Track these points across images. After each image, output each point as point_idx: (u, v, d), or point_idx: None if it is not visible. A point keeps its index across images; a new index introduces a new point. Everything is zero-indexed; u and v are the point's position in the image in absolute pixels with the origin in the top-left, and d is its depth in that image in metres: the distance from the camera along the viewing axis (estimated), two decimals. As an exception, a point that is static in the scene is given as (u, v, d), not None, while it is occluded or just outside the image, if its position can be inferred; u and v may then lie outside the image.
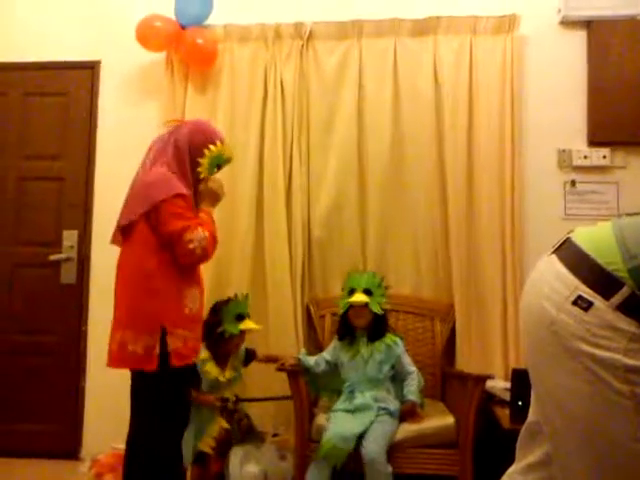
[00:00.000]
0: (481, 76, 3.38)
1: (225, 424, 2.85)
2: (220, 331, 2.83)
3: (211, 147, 2.36)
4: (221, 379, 2.82)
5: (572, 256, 1.30)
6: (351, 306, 2.87)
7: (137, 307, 2.21)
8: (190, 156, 2.34)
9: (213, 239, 2.28)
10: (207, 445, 2.77)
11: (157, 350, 2.17)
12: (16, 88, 3.76)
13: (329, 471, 2.56)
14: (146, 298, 2.20)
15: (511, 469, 1.58)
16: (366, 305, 2.84)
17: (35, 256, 3.60)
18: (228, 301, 2.93)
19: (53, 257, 3.58)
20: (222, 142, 2.41)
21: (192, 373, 2.54)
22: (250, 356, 3.04)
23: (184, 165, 2.33)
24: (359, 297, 2.83)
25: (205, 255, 2.25)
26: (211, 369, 2.80)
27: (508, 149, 3.31)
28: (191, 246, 2.19)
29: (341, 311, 2.93)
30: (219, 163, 2.42)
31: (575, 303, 1.25)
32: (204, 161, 2.36)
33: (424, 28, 3.45)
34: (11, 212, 3.68)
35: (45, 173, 3.68)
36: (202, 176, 2.38)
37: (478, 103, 3.37)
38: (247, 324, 2.87)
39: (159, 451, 2.25)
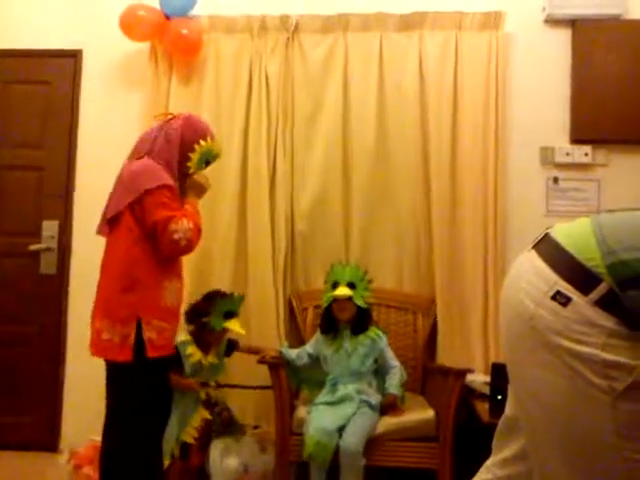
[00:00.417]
0: (466, 72, 3.39)
1: (207, 414, 2.84)
2: (205, 321, 2.83)
3: (202, 142, 2.35)
4: (204, 362, 2.81)
5: (551, 252, 1.31)
6: (335, 300, 2.86)
7: (115, 296, 2.20)
8: (180, 150, 2.33)
9: (197, 231, 2.27)
10: (190, 435, 2.76)
11: (131, 340, 2.16)
12: (-2, 75, 3.71)
13: (324, 472, 2.57)
14: (125, 288, 2.19)
15: (488, 462, 1.59)
16: (350, 299, 2.83)
17: (14, 246, 3.56)
18: (224, 295, 2.90)
19: (33, 247, 3.54)
20: (212, 138, 2.40)
21: (174, 358, 2.54)
22: (232, 346, 3.02)
23: (173, 158, 2.32)
24: (343, 291, 2.82)
25: (189, 246, 2.24)
26: (193, 351, 2.78)
27: (492, 145, 3.33)
28: (176, 236, 2.18)
29: (324, 305, 2.92)
30: (208, 159, 2.42)
31: (554, 298, 1.25)
32: (194, 156, 2.35)
33: (410, 23, 3.45)
34: (-9, 201, 3.65)
35: (26, 162, 3.63)
36: (191, 171, 2.38)
37: (463, 99, 3.38)
38: (232, 324, 2.84)
39: (135, 445, 2.23)
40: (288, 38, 3.49)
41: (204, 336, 2.86)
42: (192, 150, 2.34)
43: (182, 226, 2.19)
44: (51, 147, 3.64)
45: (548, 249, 1.32)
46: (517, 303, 1.33)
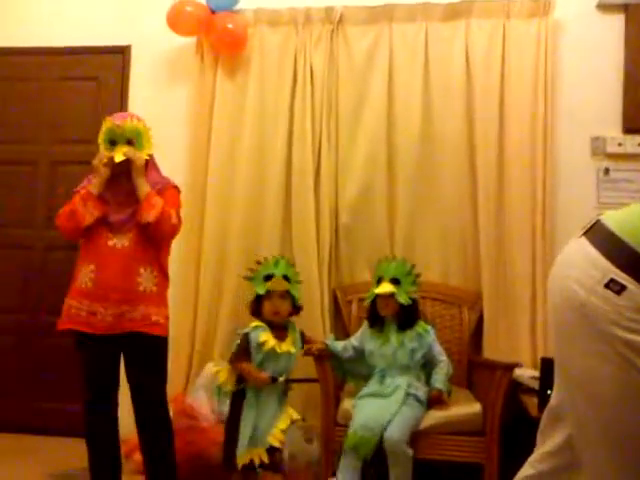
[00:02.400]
0: (514, 61, 3.33)
1: (296, 415, 2.71)
2: (255, 296, 2.75)
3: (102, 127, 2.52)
4: (278, 350, 2.67)
5: (604, 239, 1.28)
6: (378, 295, 2.83)
7: None
8: None
9: (63, 214, 2.50)
10: (276, 439, 2.60)
11: None
12: (49, 73, 3.82)
13: (360, 462, 2.55)
14: None
15: (531, 457, 1.57)
16: (392, 295, 2.79)
17: (59, 239, 3.64)
18: (259, 262, 2.83)
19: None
20: (111, 119, 2.52)
21: (242, 349, 2.67)
22: (304, 340, 2.86)
23: None
24: (385, 287, 2.78)
25: (60, 228, 2.53)
26: (267, 338, 2.65)
27: (540, 136, 3.26)
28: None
29: (368, 301, 2.90)
30: (111, 139, 2.49)
31: (607, 286, 1.23)
32: (100, 147, 2.53)
33: (456, 12, 3.40)
34: (44, 195, 3.75)
35: (77, 157, 3.72)
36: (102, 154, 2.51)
37: (510, 89, 3.32)
38: (272, 284, 2.70)
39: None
40: (333, 30, 3.48)
41: (264, 314, 2.72)
42: None
43: None
44: (101, 142, 3.71)
45: (600, 236, 1.29)
46: (567, 290, 1.30)
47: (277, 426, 2.62)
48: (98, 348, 2.50)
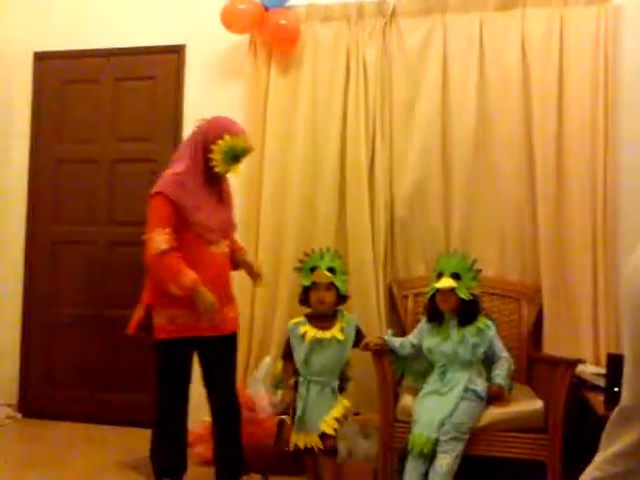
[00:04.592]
0: (572, 50, 3.25)
1: (347, 403, 2.81)
2: (303, 287, 2.87)
3: (219, 141, 2.46)
4: (324, 336, 2.78)
5: None
6: (438, 290, 2.81)
7: None
8: (204, 152, 2.49)
9: (165, 264, 2.41)
10: (329, 426, 2.71)
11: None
12: (107, 74, 3.92)
13: (426, 463, 2.56)
14: None
15: (597, 458, 1.53)
16: (452, 290, 2.76)
17: (128, 235, 3.73)
18: (307, 255, 2.93)
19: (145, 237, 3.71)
20: (235, 134, 2.50)
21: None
22: (359, 335, 2.90)
23: (198, 162, 2.50)
24: (445, 282, 2.75)
25: (147, 262, 2.45)
26: (307, 329, 2.80)
27: (601, 128, 3.18)
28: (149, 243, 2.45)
29: (428, 296, 2.89)
30: (234, 155, 2.50)
31: None
32: (215, 155, 2.47)
33: (511, 1, 3.34)
34: (105, 193, 3.86)
35: (136, 155, 3.83)
36: (217, 169, 2.49)
37: (569, 79, 3.25)
38: (316, 275, 2.80)
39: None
40: (385, 23, 3.46)
41: (315, 309, 2.85)
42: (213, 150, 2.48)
43: (154, 238, 2.45)
44: (159, 139, 3.81)
45: None
46: None
47: (331, 414, 2.73)
48: (187, 349, 2.59)
